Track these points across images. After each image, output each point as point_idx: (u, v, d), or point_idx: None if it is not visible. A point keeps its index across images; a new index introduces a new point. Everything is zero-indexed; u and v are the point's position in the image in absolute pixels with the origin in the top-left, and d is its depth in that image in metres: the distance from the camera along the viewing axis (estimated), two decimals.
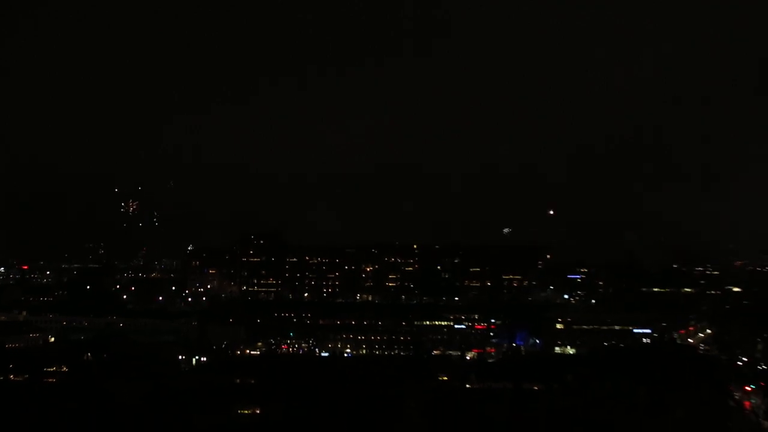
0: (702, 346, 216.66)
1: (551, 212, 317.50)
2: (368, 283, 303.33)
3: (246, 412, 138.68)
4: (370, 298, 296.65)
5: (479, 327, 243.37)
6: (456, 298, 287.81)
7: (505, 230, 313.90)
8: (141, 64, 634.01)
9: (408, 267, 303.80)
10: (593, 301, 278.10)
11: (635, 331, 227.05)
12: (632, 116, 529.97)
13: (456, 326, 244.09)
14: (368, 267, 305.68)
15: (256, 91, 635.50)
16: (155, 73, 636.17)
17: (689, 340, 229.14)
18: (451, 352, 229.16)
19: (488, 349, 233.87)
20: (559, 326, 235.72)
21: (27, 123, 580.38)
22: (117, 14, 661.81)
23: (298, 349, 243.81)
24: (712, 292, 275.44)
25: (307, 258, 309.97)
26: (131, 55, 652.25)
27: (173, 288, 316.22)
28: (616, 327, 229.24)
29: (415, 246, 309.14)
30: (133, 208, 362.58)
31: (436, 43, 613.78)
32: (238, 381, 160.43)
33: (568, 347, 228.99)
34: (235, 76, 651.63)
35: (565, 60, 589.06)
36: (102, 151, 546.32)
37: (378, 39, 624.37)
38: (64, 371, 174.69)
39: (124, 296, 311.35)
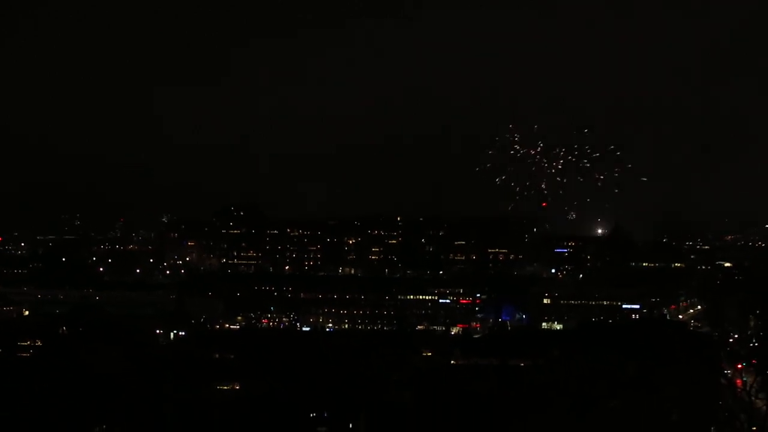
0: (693, 323, 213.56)
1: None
2: (351, 257, 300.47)
3: (225, 387, 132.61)
4: (352, 272, 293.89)
5: (464, 301, 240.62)
6: (440, 272, 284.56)
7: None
8: (139, 64, 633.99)
9: (391, 240, 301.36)
10: (581, 275, 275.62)
11: (624, 306, 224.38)
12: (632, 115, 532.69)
13: (440, 300, 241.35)
14: (351, 240, 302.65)
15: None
16: (155, 72, 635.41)
17: (680, 316, 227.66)
18: (435, 327, 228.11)
19: (473, 324, 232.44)
20: (546, 301, 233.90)
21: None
22: (117, 13, 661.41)
23: (278, 323, 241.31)
24: (703, 267, 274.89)
25: (288, 230, 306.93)
26: (130, 55, 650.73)
27: (151, 260, 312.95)
28: (605, 302, 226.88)
29: (398, 218, 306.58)
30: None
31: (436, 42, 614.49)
32: (217, 356, 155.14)
33: (555, 323, 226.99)
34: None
35: (564, 60, 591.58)
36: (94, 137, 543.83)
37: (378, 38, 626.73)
38: (39, 345, 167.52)
39: (101, 268, 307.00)
